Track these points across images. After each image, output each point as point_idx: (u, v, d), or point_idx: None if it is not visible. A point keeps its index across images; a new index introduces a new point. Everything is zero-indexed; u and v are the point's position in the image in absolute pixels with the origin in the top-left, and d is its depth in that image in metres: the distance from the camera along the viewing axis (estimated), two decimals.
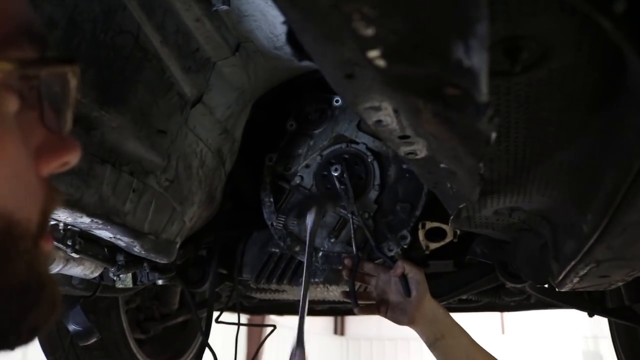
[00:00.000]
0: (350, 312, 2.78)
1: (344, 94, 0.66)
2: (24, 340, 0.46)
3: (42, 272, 0.47)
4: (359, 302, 1.46)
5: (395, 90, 0.51)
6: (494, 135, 0.50)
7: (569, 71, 0.57)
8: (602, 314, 2.04)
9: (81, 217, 1.08)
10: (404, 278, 1.40)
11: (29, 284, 0.45)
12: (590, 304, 2.07)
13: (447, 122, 0.54)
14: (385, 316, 1.43)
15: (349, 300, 1.47)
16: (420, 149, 0.84)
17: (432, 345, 1.36)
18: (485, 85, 0.39)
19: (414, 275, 1.40)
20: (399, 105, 0.63)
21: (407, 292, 1.38)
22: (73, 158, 0.49)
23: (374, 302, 1.46)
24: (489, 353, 1.35)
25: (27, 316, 0.45)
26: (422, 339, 1.39)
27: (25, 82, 0.44)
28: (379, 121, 0.71)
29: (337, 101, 1.67)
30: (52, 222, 1.16)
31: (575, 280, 1.00)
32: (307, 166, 1.67)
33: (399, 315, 1.40)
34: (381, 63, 0.44)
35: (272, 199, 1.67)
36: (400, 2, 0.37)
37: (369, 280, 1.49)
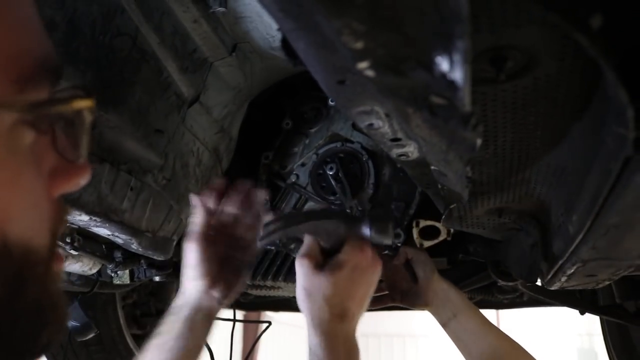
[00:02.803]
0: None
1: (337, 98, 0.68)
2: (37, 356, 0.47)
3: (54, 292, 0.48)
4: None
5: (385, 97, 0.54)
6: (479, 141, 0.52)
7: (552, 79, 0.59)
8: (593, 311, 2.06)
9: (80, 215, 1.09)
10: (408, 264, 1.42)
11: (43, 305, 0.46)
12: (581, 301, 2.10)
13: (435, 128, 0.56)
14: (400, 303, 1.46)
15: None
16: (412, 151, 0.86)
17: (445, 325, 1.37)
18: (468, 97, 0.41)
19: (418, 257, 1.42)
20: (390, 110, 0.65)
21: (414, 277, 1.41)
22: (84, 179, 0.49)
23: (386, 292, 1.49)
24: (502, 332, 1.35)
25: (41, 334, 0.46)
26: (437, 320, 1.40)
27: (40, 115, 0.44)
28: (371, 124, 0.73)
29: (332, 101, 1.69)
30: None
31: (564, 279, 1.02)
32: (302, 165, 1.69)
33: (412, 299, 1.41)
34: (370, 73, 0.46)
35: (267, 197, 1.69)
36: (388, 18, 0.39)
37: None
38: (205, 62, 1.30)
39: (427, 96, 0.46)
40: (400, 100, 0.51)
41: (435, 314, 1.40)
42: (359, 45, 0.42)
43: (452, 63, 0.39)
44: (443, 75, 0.41)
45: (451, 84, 0.40)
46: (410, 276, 1.42)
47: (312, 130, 1.70)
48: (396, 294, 1.46)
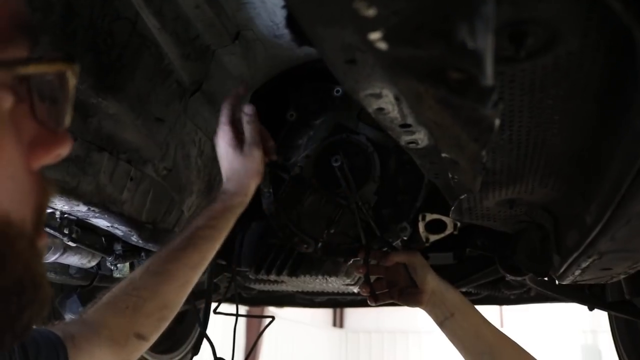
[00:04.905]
0: (349, 304, 2.79)
1: (345, 80, 0.64)
2: (18, 338, 0.46)
3: (37, 271, 0.46)
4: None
5: (397, 75, 0.50)
6: (497, 121, 0.48)
7: (575, 58, 0.55)
8: (602, 307, 2.04)
9: (78, 205, 1.06)
10: (404, 266, 1.41)
11: (25, 283, 0.44)
12: (590, 297, 2.07)
13: (450, 107, 0.52)
14: (398, 301, 1.45)
15: (365, 294, 1.47)
16: (421, 139, 0.82)
17: (442, 324, 1.37)
18: (490, 68, 0.38)
19: (410, 261, 1.41)
20: (400, 91, 0.62)
21: (411, 279, 1.40)
22: (65, 150, 0.47)
23: (385, 290, 1.48)
24: (499, 331, 1.35)
25: (22, 315, 0.45)
26: (433, 319, 1.40)
27: (19, 78, 0.42)
28: (380, 109, 0.70)
29: (337, 91, 1.65)
30: (49, 211, 1.15)
31: (577, 272, 0.99)
32: (307, 156, 1.66)
33: (409, 298, 1.42)
34: (382, 46, 0.42)
35: (271, 190, 1.66)
36: None
37: (379, 269, 1.50)
38: (208, 50, 1.26)
39: (444, 70, 0.43)
40: (412, 76, 0.48)
41: (431, 313, 1.40)
42: (371, 12, 0.38)
43: (473, 30, 0.36)
44: (462, 45, 0.37)
45: (472, 54, 0.37)
46: (409, 275, 1.41)
47: (317, 122, 1.67)
48: (394, 292, 1.45)
